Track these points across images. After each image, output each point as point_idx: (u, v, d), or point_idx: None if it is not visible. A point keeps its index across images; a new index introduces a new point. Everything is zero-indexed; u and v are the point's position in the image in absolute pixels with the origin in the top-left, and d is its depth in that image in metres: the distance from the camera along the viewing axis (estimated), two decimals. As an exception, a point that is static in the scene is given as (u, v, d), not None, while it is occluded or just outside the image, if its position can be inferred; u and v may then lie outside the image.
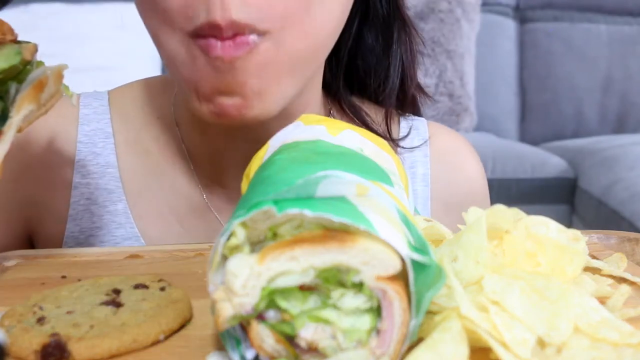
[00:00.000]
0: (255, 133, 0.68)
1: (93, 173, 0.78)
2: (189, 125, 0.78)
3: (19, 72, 0.52)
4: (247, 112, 0.61)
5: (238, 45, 0.58)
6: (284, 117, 0.69)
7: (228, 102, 0.61)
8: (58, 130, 0.79)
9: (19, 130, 0.53)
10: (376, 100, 0.85)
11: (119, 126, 0.80)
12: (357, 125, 0.80)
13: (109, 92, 0.84)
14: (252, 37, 0.58)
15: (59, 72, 0.55)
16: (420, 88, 0.88)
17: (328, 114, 0.82)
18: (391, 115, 0.84)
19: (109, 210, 0.78)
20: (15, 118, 0.51)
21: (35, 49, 0.53)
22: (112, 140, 0.79)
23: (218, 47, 0.58)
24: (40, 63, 0.54)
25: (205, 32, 0.58)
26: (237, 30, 0.57)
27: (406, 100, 0.86)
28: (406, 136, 0.84)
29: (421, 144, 0.85)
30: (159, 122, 0.80)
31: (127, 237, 0.77)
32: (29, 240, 0.83)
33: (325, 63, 0.76)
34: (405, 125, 0.86)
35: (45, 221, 0.80)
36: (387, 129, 0.83)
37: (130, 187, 0.79)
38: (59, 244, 0.79)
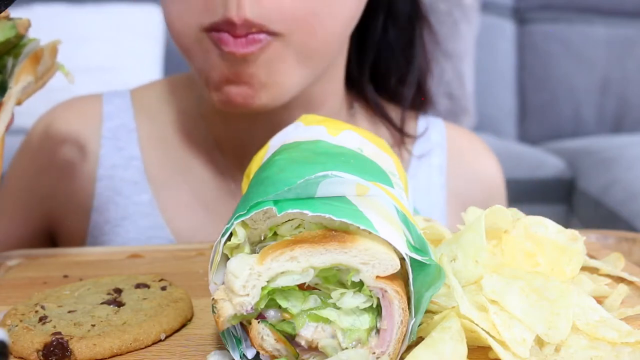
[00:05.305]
0: (277, 117, 0.72)
1: (117, 166, 0.80)
2: (214, 115, 0.79)
3: (14, 47, 0.54)
4: (253, 101, 0.66)
5: (250, 42, 0.63)
6: (304, 104, 0.74)
7: (236, 91, 0.66)
8: (81, 127, 0.81)
9: (18, 103, 0.54)
10: (394, 98, 0.87)
11: (143, 121, 0.82)
12: (379, 120, 0.84)
13: (131, 91, 0.86)
14: (264, 36, 0.63)
15: (53, 47, 0.58)
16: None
17: (350, 107, 0.84)
18: (408, 113, 0.86)
19: (135, 201, 0.79)
20: (15, 89, 0.53)
21: (28, 23, 0.55)
22: (136, 134, 0.81)
23: (231, 42, 0.63)
24: (33, 39, 0.56)
25: (221, 28, 0.63)
26: (250, 30, 0.62)
27: (424, 99, 0.88)
28: (423, 133, 0.86)
29: (438, 140, 0.87)
30: (183, 116, 0.82)
31: (152, 227, 0.78)
32: (49, 237, 0.84)
33: (352, 58, 0.80)
34: (423, 123, 0.88)
35: (68, 214, 0.81)
36: (402, 124, 0.84)
37: (155, 178, 0.80)
38: (83, 237, 0.80)
